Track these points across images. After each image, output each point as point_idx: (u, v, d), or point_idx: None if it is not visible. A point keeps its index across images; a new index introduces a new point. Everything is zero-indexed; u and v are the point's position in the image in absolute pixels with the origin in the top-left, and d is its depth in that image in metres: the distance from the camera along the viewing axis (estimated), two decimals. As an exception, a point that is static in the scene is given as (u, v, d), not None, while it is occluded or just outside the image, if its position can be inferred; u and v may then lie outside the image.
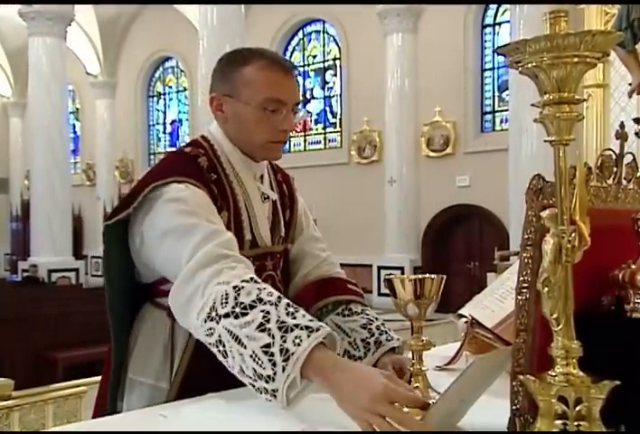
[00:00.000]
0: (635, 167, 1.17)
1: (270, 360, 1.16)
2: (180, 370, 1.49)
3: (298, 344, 1.15)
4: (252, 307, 1.22)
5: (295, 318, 1.20)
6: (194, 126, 15.29)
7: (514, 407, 0.95)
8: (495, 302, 1.67)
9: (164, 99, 18.03)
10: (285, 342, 1.16)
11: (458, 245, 12.26)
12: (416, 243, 12.42)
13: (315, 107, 14.81)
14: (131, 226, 1.50)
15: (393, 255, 12.29)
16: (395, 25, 12.32)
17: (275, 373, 1.16)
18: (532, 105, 0.89)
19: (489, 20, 12.36)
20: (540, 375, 0.87)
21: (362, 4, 12.36)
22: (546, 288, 0.85)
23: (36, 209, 12.40)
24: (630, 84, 5.05)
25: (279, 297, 1.25)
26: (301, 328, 1.18)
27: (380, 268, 12.33)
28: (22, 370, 5.60)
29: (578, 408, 0.83)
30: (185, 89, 17.16)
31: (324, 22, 14.31)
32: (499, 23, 12.16)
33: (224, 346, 1.23)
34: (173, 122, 17.84)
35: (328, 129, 14.56)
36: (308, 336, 1.16)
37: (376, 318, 1.63)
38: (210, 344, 1.26)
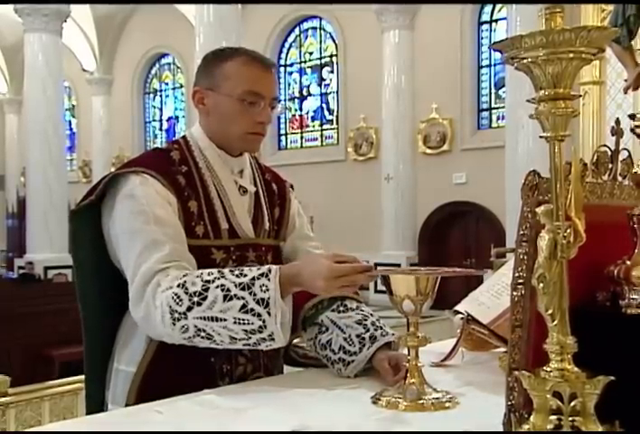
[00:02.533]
0: (630, 164, 1.18)
1: (254, 314, 1.33)
2: (147, 354, 1.52)
3: (267, 290, 1.33)
4: (206, 290, 1.35)
5: (246, 276, 1.36)
6: (191, 122, 15.24)
7: (509, 403, 0.95)
8: (491, 298, 1.67)
9: (161, 96, 17.98)
10: (255, 295, 1.33)
11: (455, 242, 12.26)
12: (412, 240, 12.41)
13: (311, 104, 14.79)
14: (102, 215, 1.57)
15: (390, 252, 12.28)
16: (392, 22, 12.30)
17: (264, 321, 1.33)
18: (528, 101, 0.88)
19: (486, 17, 12.35)
20: (535, 371, 0.87)
21: (359, 4, 12.32)
22: (541, 284, 0.85)
23: (32, 206, 12.34)
24: (626, 80, 5.05)
25: (219, 271, 1.39)
26: (258, 278, 1.35)
27: (376, 264, 12.31)
28: (18, 367, 5.58)
29: (572, 403, 0.83)
30: (182, 86, 17.10)
31: (320, 18, 14.28)
32: (496, 20, 12.14)
33: (204, 331, 1.36)
34: (169, 119, 17.79)
35: (325, 126, 14.54)
36: (269, 279, 1.34)
37: (371, 314, 1.64)
38: (190, 338, 1.38)
